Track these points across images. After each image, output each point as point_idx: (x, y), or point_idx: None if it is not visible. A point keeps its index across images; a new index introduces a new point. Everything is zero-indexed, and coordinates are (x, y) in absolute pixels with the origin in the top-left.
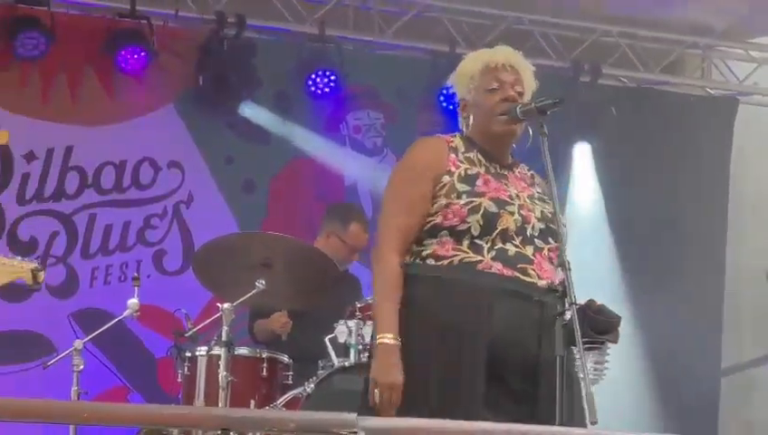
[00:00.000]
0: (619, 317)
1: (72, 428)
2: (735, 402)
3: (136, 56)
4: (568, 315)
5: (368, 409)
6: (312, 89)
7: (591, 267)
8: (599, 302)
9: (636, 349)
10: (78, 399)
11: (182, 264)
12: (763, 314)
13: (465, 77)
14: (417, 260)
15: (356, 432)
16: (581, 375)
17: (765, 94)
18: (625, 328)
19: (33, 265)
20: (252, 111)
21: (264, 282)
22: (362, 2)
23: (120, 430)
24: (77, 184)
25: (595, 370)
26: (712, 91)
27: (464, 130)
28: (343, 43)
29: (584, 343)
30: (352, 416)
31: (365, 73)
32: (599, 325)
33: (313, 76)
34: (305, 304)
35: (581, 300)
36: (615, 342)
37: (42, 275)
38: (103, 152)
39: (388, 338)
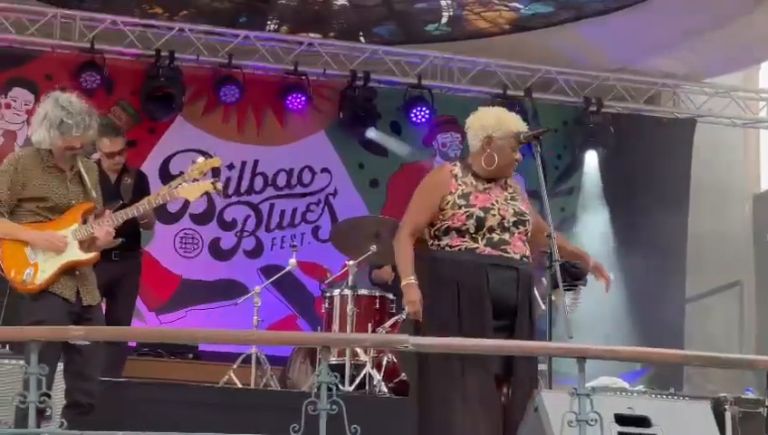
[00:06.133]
0: (587, 270)
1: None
2: (696, 322)
3: (299, 100)
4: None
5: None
6: (414, 119)
7: (592, 232)
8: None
9: (619, 290)
10: (257, 325)
11: (331, 235)
12: (715, 263)
13: (506, 128)
14: (439, 248)
15: (407, 346)
16: (563, 308)
17: (714, 116)
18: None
19: (211, 180)
20: (375, 134)
21: (375, 247)
22: (446, 62)
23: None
24: (261, 184)
25: (572, 303)
26: (679, 115)
27: (471, 151)
28: (433, 88)
29: (564, 286)
30: (405, 336)
31: (448, 108)
32: (573, 275)
33: (414, 111)
34: None
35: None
36: (584, 285)
37: (219, 184)
38: (278, 163)
39: (410, 279)
